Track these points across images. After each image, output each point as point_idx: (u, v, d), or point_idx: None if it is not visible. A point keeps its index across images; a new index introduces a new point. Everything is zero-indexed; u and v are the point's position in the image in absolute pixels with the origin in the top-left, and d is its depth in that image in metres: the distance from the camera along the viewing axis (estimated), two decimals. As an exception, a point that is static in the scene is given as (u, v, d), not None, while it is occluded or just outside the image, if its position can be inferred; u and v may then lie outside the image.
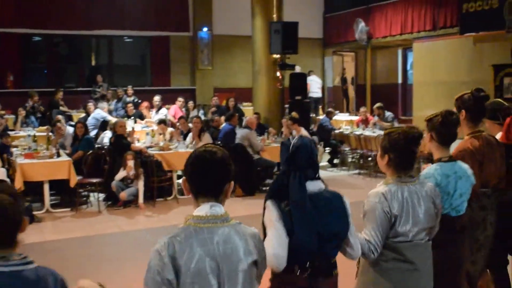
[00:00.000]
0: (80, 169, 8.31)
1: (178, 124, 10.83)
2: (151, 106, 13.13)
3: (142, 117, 12.71)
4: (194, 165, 2.01)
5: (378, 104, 11.49)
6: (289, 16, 12.20)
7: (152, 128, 10.79)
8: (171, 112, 13.08)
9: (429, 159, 3.29)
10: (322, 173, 2.96)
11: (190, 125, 9.93)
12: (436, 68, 12.30)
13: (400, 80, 16.92)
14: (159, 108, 12.95)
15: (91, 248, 6.51)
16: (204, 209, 1.98)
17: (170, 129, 10.33)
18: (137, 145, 9.19)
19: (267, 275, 2.25)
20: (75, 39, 15.81)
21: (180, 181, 9.39)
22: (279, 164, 9.49)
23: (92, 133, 10.31)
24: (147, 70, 16.66)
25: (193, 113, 12.97)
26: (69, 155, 8.66)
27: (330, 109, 13.06)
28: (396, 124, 10.53)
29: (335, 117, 13.48)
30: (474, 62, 11.38)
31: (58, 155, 8.25)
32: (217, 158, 1.99)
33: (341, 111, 16.78)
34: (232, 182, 2.05)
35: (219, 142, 9.24)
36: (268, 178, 9.70)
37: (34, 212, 7.61)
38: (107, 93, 14.13)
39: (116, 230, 7.24)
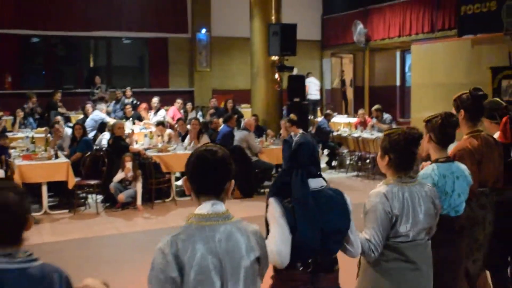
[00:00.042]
0: (78, 171, 8.30)
1: (176, 126, 10.82)
2: (150, 108, 13.14)
3: (140, 118, 12.71)
4: (195, 164, 2.02)
5: (376, 106, 11.48)
6: (288, 18, 12.20)
7: (150, 130, 10.77)
8: (170, 113, 13.09)
9: (427, 161, 3.30)
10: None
11: (189, 126, 9.92)
12: (434, 70, 12.29)
13: (398, 82, 16.92)
14: (157, 110, 12.95)
15: (89, 249, 6.50)
16: (206, 207, 1.99)
17: (168, 131, 10.31)
18: (136, 146, 9.18)
19: (268, 272, 2.24)
20: (73, 41, 15.83)
21: (179, 182, 9.33)
22: (277, 166, 9.59)
23: (90, 135, 10.28)
24: (146, 72, 16.66)
25: (192, 115, 12.97)
26: (67, 156, 8.64)
27: (328, 111, 13.05)
28: (394, 126, 10.52)
29: (333, 119, 13.48)
30: (472, 64, 11.37)
31: (56, 157, 8.24)
32: (218, 157, 2.01)
33: (340, 113, 16.79)
34: (233, 181, 2.07)
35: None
36: (266, 180, 9.71)
37: (32, 214, 7.57)
38: (105, 94, 14.12)
39: (114, 232, 7.23)
